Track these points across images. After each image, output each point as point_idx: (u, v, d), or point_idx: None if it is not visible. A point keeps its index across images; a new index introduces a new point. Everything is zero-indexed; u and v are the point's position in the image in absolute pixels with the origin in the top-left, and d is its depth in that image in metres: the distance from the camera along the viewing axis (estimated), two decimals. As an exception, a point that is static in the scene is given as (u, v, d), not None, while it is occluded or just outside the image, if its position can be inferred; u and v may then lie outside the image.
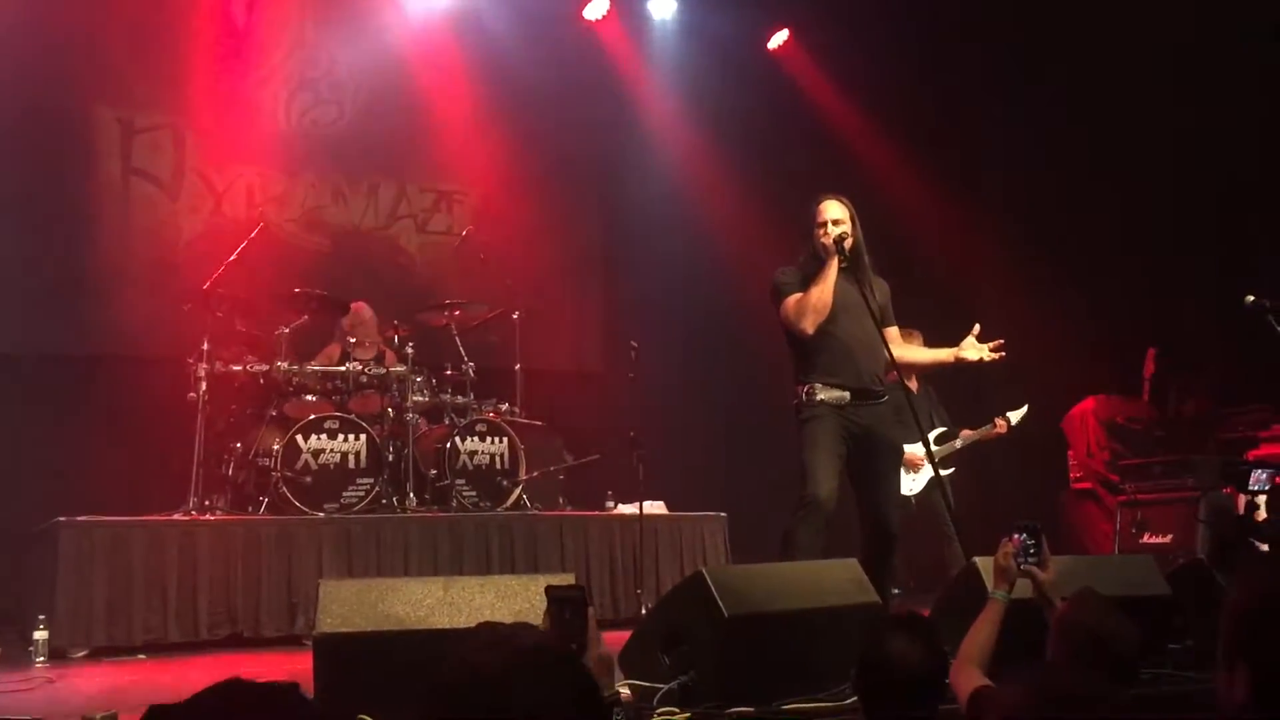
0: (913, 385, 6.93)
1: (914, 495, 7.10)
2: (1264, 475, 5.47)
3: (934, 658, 2.54)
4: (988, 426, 7.05)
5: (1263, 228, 8.40)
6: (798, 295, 4.90)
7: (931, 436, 6.99)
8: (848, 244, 4.88)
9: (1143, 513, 7.69)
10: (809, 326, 4.85)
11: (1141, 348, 8.76)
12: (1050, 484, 8.96)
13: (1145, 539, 7.57)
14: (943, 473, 6.91)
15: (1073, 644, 2.77)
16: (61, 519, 5.76)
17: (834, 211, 4.95)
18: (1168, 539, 7.42)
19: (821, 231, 4.93)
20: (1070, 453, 8.87)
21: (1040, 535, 3.24)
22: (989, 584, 4.03)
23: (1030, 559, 3.22)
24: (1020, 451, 7.71)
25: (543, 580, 3.36)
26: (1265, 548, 5.22)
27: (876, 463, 4.94)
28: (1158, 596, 4.25)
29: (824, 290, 4.85)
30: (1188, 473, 7.60)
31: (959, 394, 7.66)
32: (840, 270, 4.89)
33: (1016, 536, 3.23)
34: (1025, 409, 7.03)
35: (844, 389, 4.87)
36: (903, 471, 7.06)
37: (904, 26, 9.17)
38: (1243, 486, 5.55)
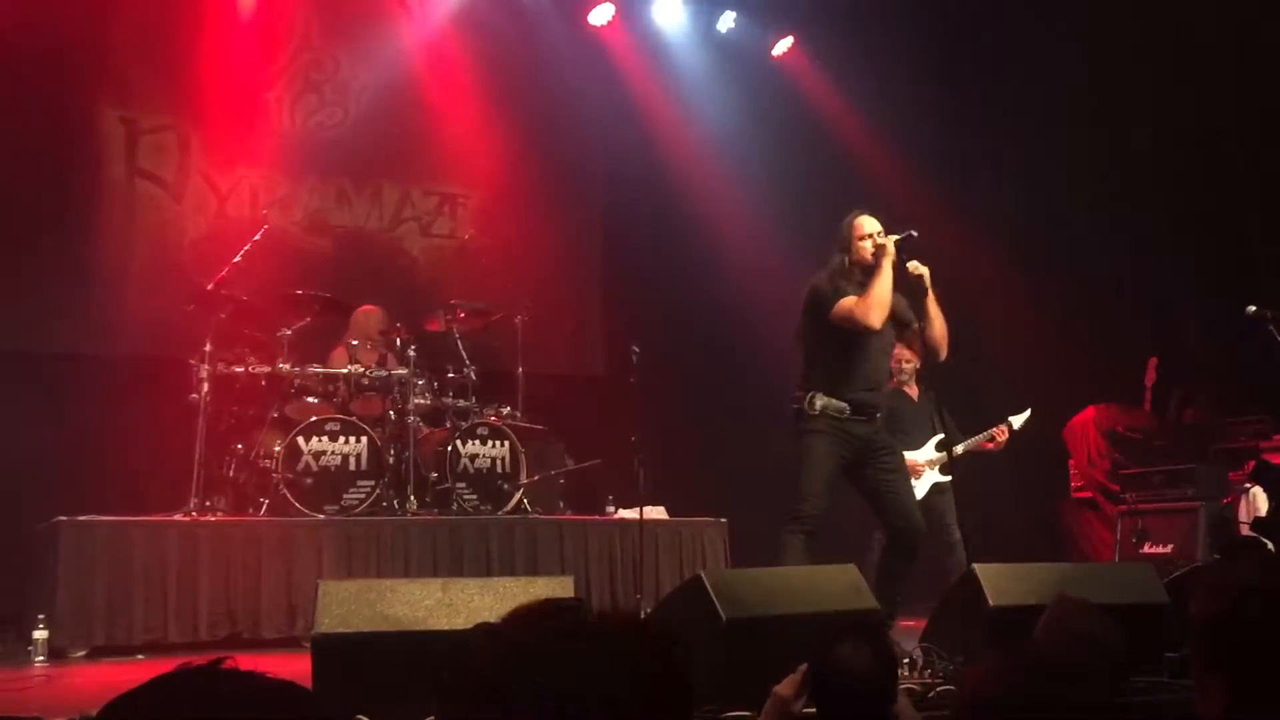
0: (912, 392, 6.93)
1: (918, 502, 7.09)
2: None
3: (883, 662, 2.55)
4: (990, 432, 7.03)
5: (1263, 238, 8.41)
6: (853, 296, 4.97)
7: (931, 443, 6.98)
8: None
9: (1143, 522, 7.68)
10: (876, 321, 4.95)
11: (1142, 357, 8.76)
12: (1051, 492, 8.97)
13: (1146, 549, 7.56)
14: (944, 479, 6.92)
15: (1059, 648, 2.75)
16: (62, 518, 5.77)
17: (874, 224, 5.13)
18: (1169, 549, 7.41)
19: (868, 242, 5.05)
20: (1071, 461, 8.87)
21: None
22: (988, 592, 4.05)
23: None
24: (1021, 460, 7.71)
25: (540, 583, 3.36)
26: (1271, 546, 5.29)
27: (883, 462, 5.08)
28: (1155, 604, 4.26)
29: (886, 285, 4.97)
30: (1188, 483, 7.60)
31: (961, 401, 7.65)
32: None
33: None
34: (1028, 413, 7.01)
35: (846, 400, 4.98)
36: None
37: (908, 35, 9.19)
38: (1276, 490, 5.65)
